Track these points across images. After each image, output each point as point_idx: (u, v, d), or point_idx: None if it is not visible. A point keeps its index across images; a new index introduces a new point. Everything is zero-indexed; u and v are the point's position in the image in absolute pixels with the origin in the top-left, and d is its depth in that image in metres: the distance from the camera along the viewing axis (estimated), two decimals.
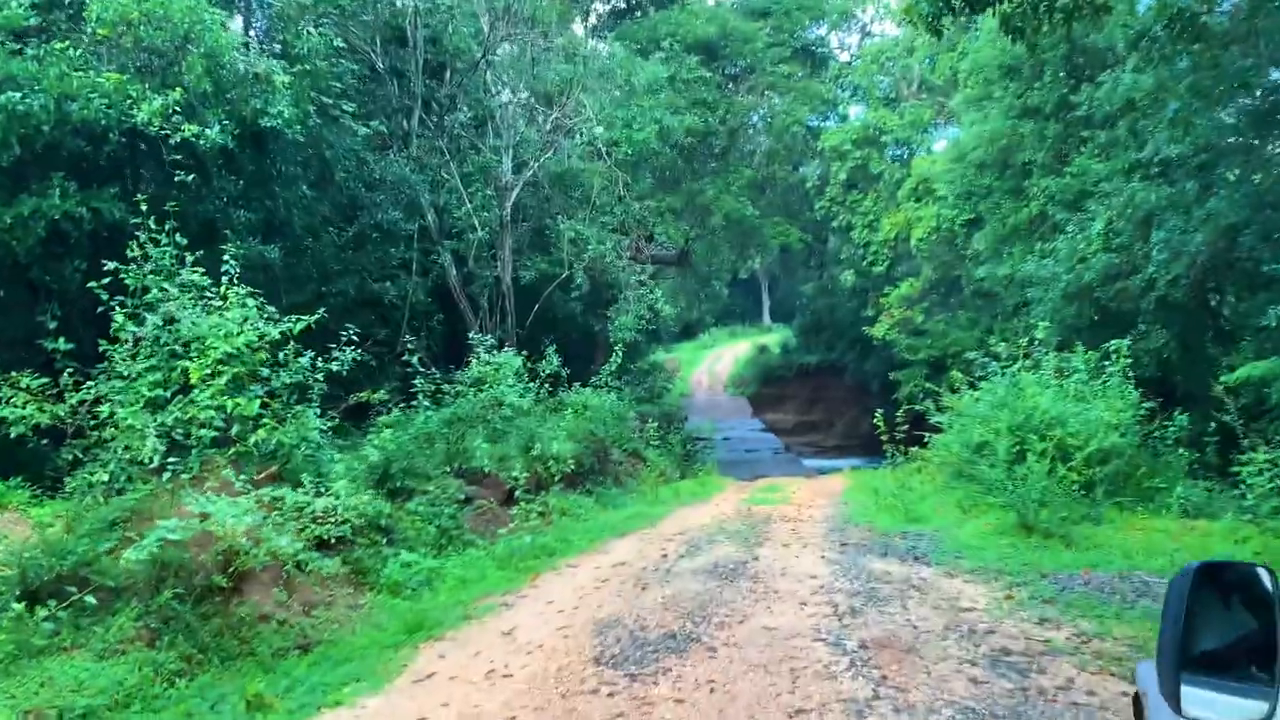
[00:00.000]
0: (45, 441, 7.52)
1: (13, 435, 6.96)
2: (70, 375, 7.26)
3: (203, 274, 7.65)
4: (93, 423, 7.11)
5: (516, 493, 10.38)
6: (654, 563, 8.68)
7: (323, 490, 6.98)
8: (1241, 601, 1.65)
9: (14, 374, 7.17)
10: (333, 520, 6.71)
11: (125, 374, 6.88)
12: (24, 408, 7.02)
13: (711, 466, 22.35)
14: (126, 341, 6.86)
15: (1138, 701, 2.37)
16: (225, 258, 7.86)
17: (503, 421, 12.69)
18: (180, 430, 7.29)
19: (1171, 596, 1.60)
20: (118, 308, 6.81)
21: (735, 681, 5.29)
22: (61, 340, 7.35)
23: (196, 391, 6.97)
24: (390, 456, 10.11)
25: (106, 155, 8.58)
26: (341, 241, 15.58)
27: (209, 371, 7.50)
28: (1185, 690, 1.48)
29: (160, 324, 6.90)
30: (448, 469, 10.98)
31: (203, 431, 6.89)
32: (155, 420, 7.16)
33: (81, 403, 7.20)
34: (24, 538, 6.59)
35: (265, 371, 8.40)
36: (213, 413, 7.33)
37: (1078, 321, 14.85)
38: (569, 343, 18.94)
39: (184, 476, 6.57)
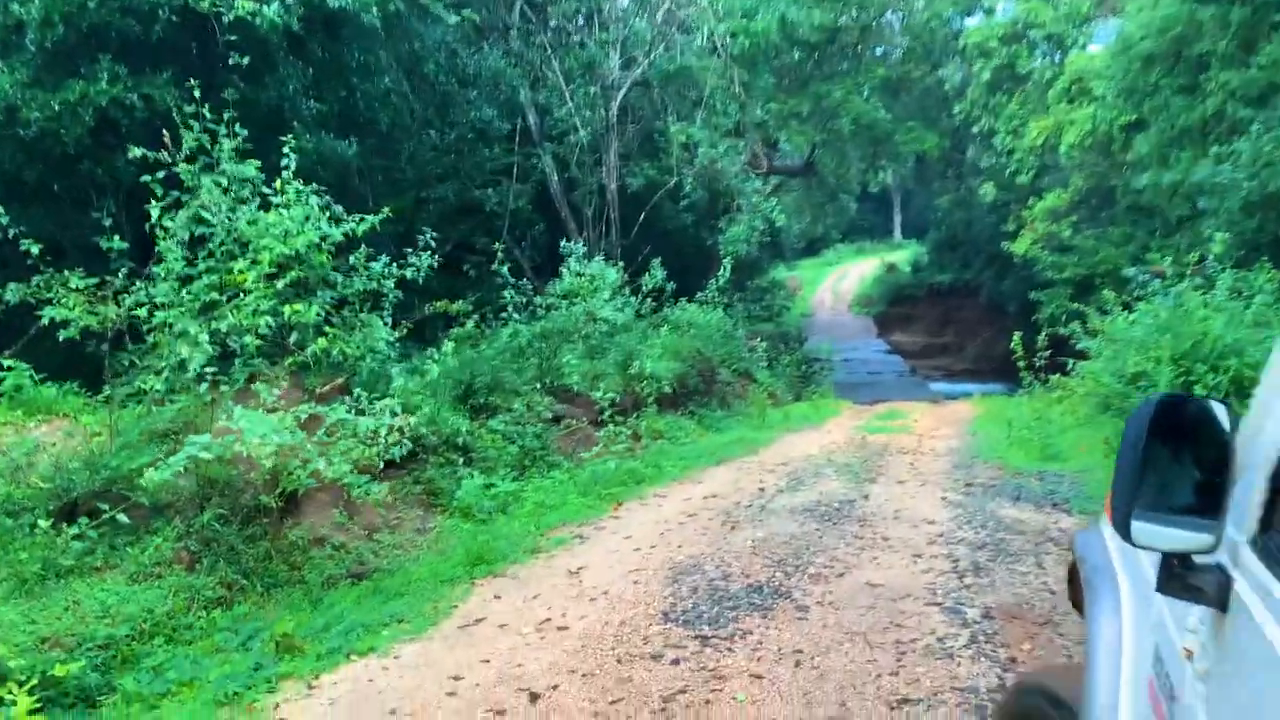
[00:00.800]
0: (104, 345, 7.09)
1: (61, 338, 6.54)
2: (124, 276, 6.78)
3: (258, 168, 6.98)
4: (147, 327, 6.61)
5: (607, 413, 9.62)
6: (749, 497, 7.81)
7: (372, 408, 6.31)
8: (1198, 436, 1.63)
9: (66, 273, 6.73)
10: (382, 441, 6.04)
11: (165, 275, 6.30)
12: (74, 309, 6.58)
13: (828, 389, 21.21)
14: (166, 239, 6.27)
15: (1074, 571, 2.36)
16: (285, 150, 7.17)
17: (600, 337, 11.93)
18: (235, 338, 6.75)
19: (1130, 429, 1.59)
20: (154, 202, 6.21)
21: (827, 653, 4.40)
22: (116, 239, 6.86)
23: (243, 296, 6.36)
24: (473, 371, 9.51)
25: (158, 37, 7.92)
26: (442, 144, 14.92)
27: (266, 274, 6.91)
28: (1135, 523, 1.49)
29: (193, 220, 6.25)
30: (538, 385, 10.32)
31: (248, 340, 6.29)
32: (208, 325, 6.62)
33: (138, 304, 6.72)
34: (71, 448, 6.21)
35: (336, 276, 7.82)
36: (268, 319, 6.74)
37: (1259, 236, 12.89)
38: (680, 256, 17.95)
39: (225, 389, 6.00)
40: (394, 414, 6.12)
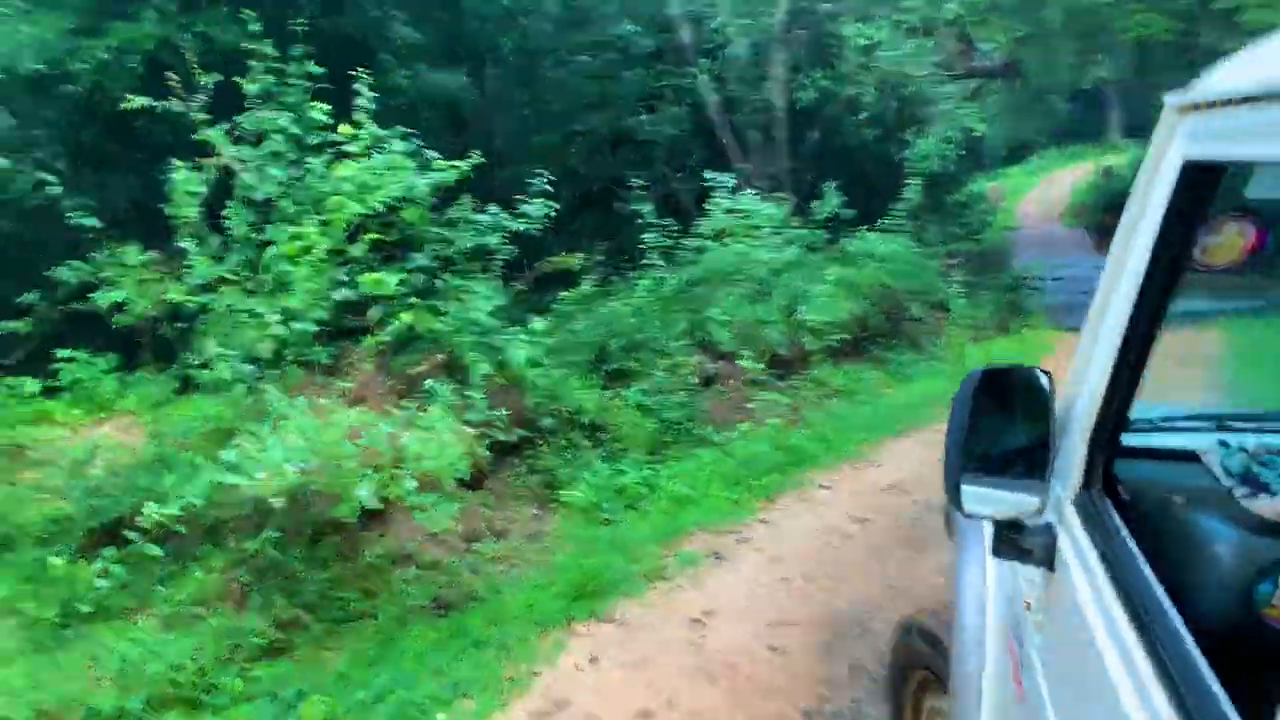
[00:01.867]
0: (181, 325, 6.24)
1: (115, 325, 5.73)
2: (194, 250, 5.88)
3: (328, 113, 5.87)
4: (199, 308, 5.68)
5: (763, 373, 8.13)
6: (939, 489, 6.15)
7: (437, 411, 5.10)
8: (1021, 405, 1.65)
9: (124, 249, 5.90)
10: (445, 454, 4.84)
11: (199, 250, 5.32)
12: (131, 290, 5.74)
13: (1039, 317, 18.61)
14: (183, 206, 5.25)
15: (948, 516, 2.51)
16: (358, 87, 6.02)
17: (765, 278, 10.32)
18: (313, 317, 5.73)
19: (958, 400, 1.58)
20: (176, 162, 5.20)
21: None
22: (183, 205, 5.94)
23: (296, 267, 5.28)
24: (609, 330, 8.25)
25: None
26: (592, 69, 13.57)
27: (343, 236, 5.85)
28: (965, 489, 1.51)
29: (210, 181, 5.20)
30: (688, 343, 8.92)
31: (299, 325, 5.23)
32: (279, 304, 5.62)
33: (202, 286, 5.80)
34: (112, 460, 5.40)
35: (436, 233, 6.68)
36: (345, 292, 5.69)
37: None
38: (862, 178, 15.89)
39: (270, 387, 4.96)
40: (450, 425, 4.88)
